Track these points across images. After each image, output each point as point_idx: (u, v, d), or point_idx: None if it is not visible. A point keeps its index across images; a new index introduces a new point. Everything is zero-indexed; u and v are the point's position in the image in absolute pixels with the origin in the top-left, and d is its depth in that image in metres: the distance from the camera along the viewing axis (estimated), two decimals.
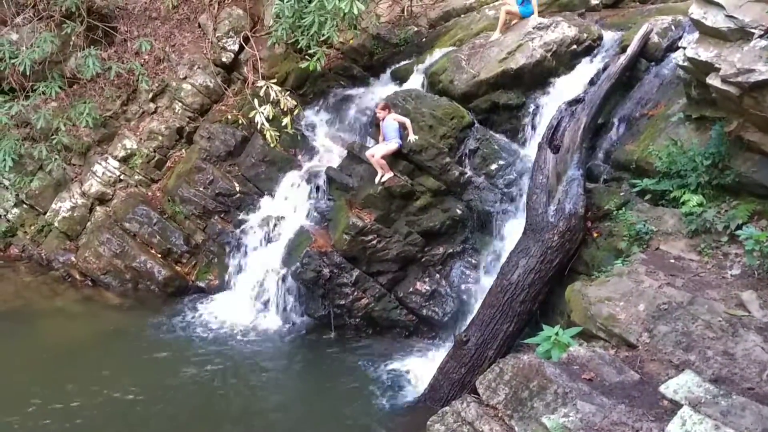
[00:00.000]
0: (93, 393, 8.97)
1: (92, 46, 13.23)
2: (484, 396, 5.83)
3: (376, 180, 10.57)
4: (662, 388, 5.45)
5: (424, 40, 13.72)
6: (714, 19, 7.16)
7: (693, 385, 5.32)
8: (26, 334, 10.80)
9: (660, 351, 6.15)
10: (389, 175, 10.48)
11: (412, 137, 10.40)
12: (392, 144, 10.47)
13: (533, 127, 10.84)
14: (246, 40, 14.18)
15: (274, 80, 12.41)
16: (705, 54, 7.28)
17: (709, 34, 7.33)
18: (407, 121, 10.43)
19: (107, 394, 8.96)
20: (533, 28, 11.13)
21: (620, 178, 9.27)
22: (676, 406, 5.17)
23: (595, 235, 8.77)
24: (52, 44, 12.63)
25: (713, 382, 5.45)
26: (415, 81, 12.05)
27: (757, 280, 6.86)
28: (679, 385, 5.37)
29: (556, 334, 6.48)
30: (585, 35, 11.18)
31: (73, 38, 13.29)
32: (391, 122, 10.47)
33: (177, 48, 14.47)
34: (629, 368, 5.94)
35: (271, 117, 11.64)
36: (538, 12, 11.73)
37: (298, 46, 12.20)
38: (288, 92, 12.29)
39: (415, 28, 14.07)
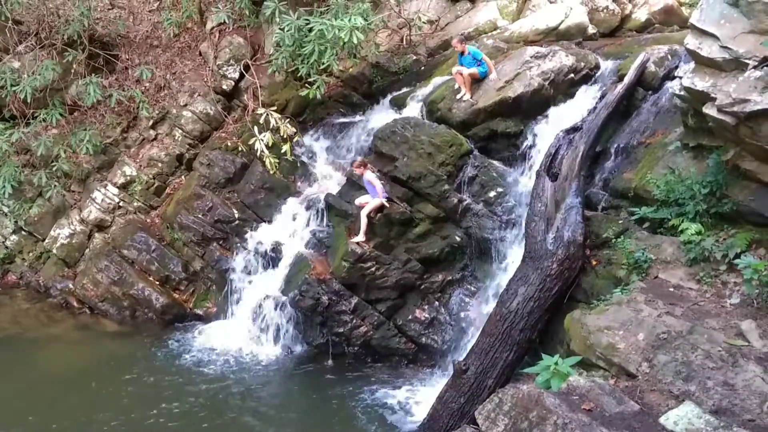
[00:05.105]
0: (87, 421, 8.90)
1: (93, 74, 13.36)
2: (483, 426, 5.77)
3: (351, 239, 10.67)
4: (662, 420, 5.41)
5: (423, 68, 13.84)
6: (709, 49, 7.24)
7: (693, 416, 5.28)
8: (23, 362, 10.73)
9: (660, 381, 6.11)
10: (362, 238, 10.56)
11: (379, 199, 10.56)
12: (377, 201, 10.56)
13: (531, 155, 10.87)
14: (246, 68, 14.30)
15: (274, 108, 12.55)
16: (701, 83, 7.34)
17: (704, 64, 7.40)
18: (377, 185, 10.55)
19: (101, 422, 8.88)
20: (531, 57, 11.22)
21: (618, 206, 9.29)
22: None
23: (593, 263, 8.75)
24: (53, 72, 12.74)
25: (714, 414, 5.40)
26: (414, 109, 12.12)
27: (756, 309, 6.83)
28: (680, 417, 5.33)
29: (556, 363, 6.42)
30: (582, 64, 11.27)
31: (74, 66, 13.44)
32: (367, 180, 10.64)
33: (178, 76, 14.60)
34: (629, 398, 5.89)
35: (270, 144, 11.71)
36: (535, 42, 11.79)
37: (298, 74, 12.33)
38: (288, 119, 12.41)
39: (414, 57, 14.19)
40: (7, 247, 13.76)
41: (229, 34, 14.75)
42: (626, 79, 10.26)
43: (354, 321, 10.63)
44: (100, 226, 13.52)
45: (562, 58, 11.18)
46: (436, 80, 12.46)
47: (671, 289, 7.60)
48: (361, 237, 10.58)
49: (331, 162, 13.27)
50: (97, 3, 14.49)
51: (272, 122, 11.76)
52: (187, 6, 14.32)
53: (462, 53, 11.42)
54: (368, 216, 10.55)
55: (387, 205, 10.60)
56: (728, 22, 7.12)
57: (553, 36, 13.27)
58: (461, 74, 11.26)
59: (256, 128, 11.87)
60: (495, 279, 10.53)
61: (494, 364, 8.35)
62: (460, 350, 10.19)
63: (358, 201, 10.84)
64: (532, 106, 11.03)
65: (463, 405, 8.25)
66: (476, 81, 11.38)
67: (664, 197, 8.36)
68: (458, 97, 11.34)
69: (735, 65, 7.06)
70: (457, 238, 10.78)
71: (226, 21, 13.51)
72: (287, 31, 11.62)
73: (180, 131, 13.98)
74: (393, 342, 10.73)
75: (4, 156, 12.83)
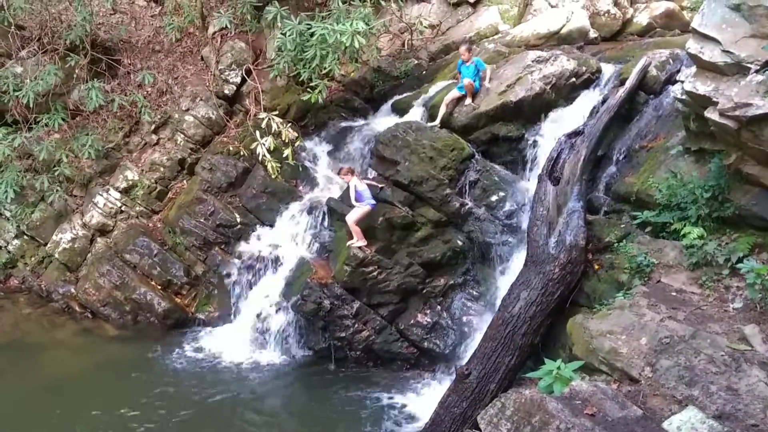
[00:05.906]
0: (88, 426, 8.91)
1: (95, 79, 13.36)
2: (486, 431, 5.75)
3: (348, 243, 10.67)
4: (665, 425, 5.39)
5: (424, 72, 13.85)
6: (711, 53, 7.23)
7: (696, 421, 5.26)
8: (24, 367, 10.73)
9: (663, 386, 6.09)
10: (362, 243, 10.57)
11: (367, 206, 10.59)
12: (365, 207, 10.57)
13: (533, 159, 10.87)
14: (248, 72, 14.32)
15: (276, 112, 12.54)
16: (703, 88, 7.34)
17: (706, 68, 7.40)
18: (362, 191, 10.59)
19: (102, 427, 8.88)
20: (532, 61, 11.22)
21: (621, 210, 9.28)
22: None
23: (596, 267, 8.75)
24: (55, 77, 12.74)
25: (717, 419, 5.38)
26: (416, 113, 12.13)
27: (759, 313, 6.82)
28: (683, 422, 5.31)
29: (558, 368, 6.40)
30: (584, 68, 11.26)
31: (76, 71, 13.44)
32: (353, 187, 10.64)
33: (180, 80, 14.62)
34: (632, 403, 5.87)
35: (272, 148, 11.71)
36: (536, 46, 11.79)
37: (300, 79, 12.34)
38: (289, 124, 12.41)
39: (416, 61, 14.21)
40: (9, 252, 13.76)
41: (231, 38, 14.78)
42: (628, 83, 10.25)
43: (356, 325, 10.61)
44: (102, 231, 13.52)
45: (563, 63, 11.17)
46: (438, 84, 12.47)
47: (674, 294, 7.59)
48: (362, 242, 10.57)
49: (333, 166, 13.27)
50: (99, 8, 14.54)
51: (274, 127, 11.76)
52: (189, 11, 14.34)
53: (465, 62, 11.36)
54: (356, 223, 10.55)
55: (368, 210, 10.57)
56: (730, 27, 7.11)
57: (555, 40, 13.29)
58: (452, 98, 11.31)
59: (257, 133, 11.87)
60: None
61: (497, 369, 8.33)
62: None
63: (348, 217, 10.72)
64: (534, 110, 11.02)
65: (465, 410, 8.23)
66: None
67: (666, 201, 8.36)
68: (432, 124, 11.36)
69: (737, 69, 7.05)
70: (459, 243, 10.77)
71: (228, 26, 13.54)
72: (289, 35, 11.63)
73: (182, 136, 13.99)
74: (395, 346, 10.72)
75: (7, 161, 12.84)
